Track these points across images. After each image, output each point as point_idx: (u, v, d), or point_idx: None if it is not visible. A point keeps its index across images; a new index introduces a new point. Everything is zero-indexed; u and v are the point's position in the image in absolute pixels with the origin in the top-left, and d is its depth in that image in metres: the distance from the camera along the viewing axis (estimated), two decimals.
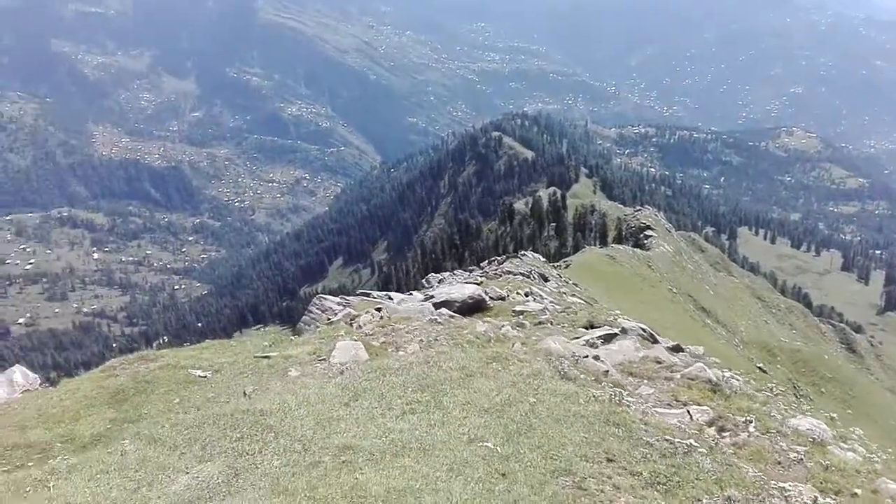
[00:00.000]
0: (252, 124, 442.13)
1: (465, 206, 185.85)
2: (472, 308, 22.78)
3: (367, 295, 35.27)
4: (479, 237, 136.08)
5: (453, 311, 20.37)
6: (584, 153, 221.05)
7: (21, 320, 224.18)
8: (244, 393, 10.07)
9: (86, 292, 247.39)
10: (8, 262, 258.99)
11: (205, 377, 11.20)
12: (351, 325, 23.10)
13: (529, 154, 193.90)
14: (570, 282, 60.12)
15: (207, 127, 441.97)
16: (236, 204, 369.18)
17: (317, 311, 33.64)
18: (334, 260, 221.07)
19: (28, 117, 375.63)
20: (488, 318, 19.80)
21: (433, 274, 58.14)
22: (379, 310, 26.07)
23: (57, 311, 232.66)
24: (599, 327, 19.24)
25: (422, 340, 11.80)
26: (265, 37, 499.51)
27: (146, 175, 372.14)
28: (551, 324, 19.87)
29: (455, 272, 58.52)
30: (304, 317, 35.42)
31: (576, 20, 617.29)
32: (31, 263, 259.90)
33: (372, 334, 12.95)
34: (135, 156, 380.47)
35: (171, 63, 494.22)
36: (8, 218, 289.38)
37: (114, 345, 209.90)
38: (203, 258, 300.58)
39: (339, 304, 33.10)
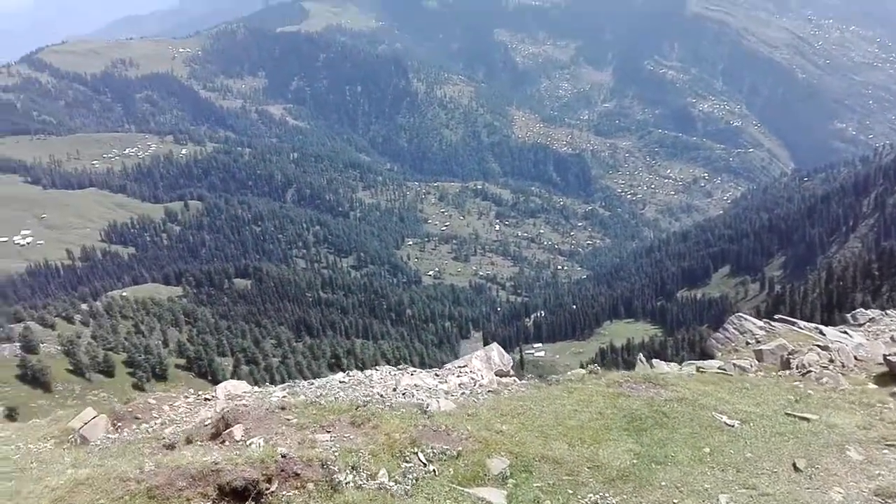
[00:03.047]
0: (659, 118, 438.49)
1: (892, 233, 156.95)
2: None
3: (792, 323, 31.15)
4: None
5: None
6: None
7: (430, 272, 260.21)
8: (795, 466, 8.51)
9: (484, 258, 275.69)
10: (429, 221, 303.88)
11: (732, 426, 9.81)
12: (789, 362, 20.33)
13: None
14: None
15: (615, 118, 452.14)
16: (628, 196, 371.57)
17: (733, 330, 30.82)
18: (720, 267, 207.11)
19: (464, 98, 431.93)
20: None
21: (861, 310, 49.59)
22: (825, 348, 22.41)
23: (459, 269, 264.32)
24: None
25: None
26: (688, 30, 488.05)
27: (551, 159, 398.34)
28: None
29: (888, 312, 48.94)
30: (716, 334, 32.98)
31: None
32: (446, 226, 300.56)
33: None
34: (545, 141, 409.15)
35: (593, 54, 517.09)
36: (435, 184, 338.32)
37: (498, 308, 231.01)
38: (588, 244, 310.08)
39: (761, 328, 29.77)
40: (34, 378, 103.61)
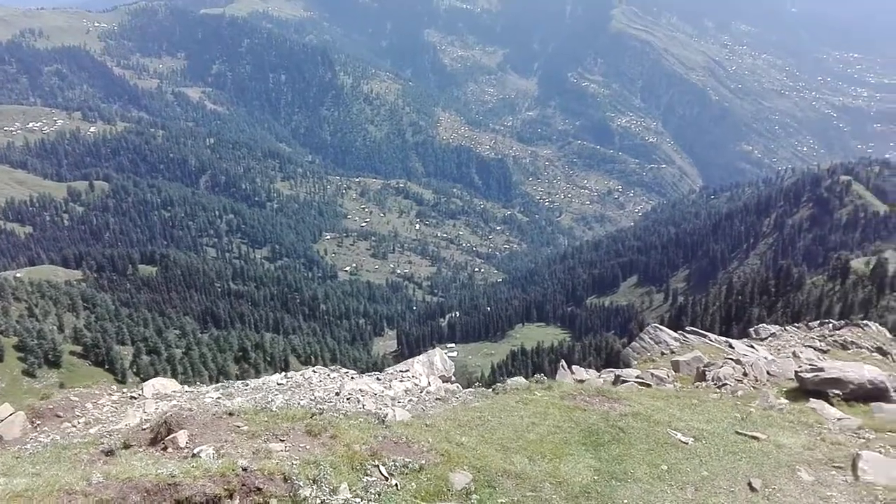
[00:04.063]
0: (579, 130, 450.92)
1: (789, 252, 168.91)
2: (867, 396, 18.53)
3: (704, 335, 32.53)
4: (798, 289, 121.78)
5: (843, 396, 16.93)
6: None
7: (347, 268, 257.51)
8: (750, 486, 8.59)
9: (402, 256, 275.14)
10: (349, 216, 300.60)
11: (686, 444, 9.86)
12: (704, 374, 21.12)
13: (882, 208, 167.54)
14: None
15: (538, 126, 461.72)
16: (546, 203, 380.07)
17: (649, 340, 31.97)
18: (628, 277, 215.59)
19: (391, 96, 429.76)
20: None
21: (764, 325, 52.66)
22: (738, 362, 23.38)
23: (377, 266, 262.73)
24: None
25: None
26: (612, 46, 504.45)
27: (474, 162, 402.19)
28: None
29: (787, 328, 52.26)
30: (633, 343, 34.10)
31: None
32: (366, 222, 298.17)
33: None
34: (469, 144, 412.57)
35: (519, 62, 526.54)
36: (357, 180, 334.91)
37: (414, 307, 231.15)
38: (505, 248, 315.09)
39: (676, 339, 30.97)
40: None
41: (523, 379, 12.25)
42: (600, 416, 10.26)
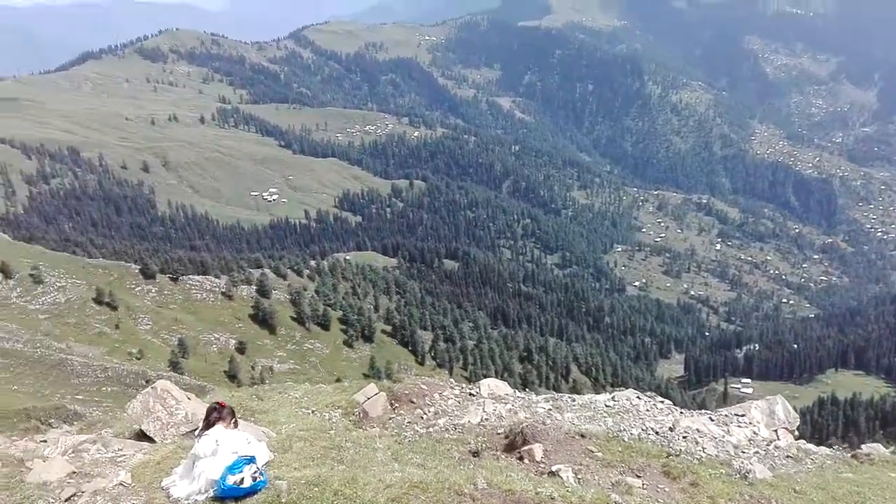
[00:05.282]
0: None
1: None
2: None
3: None
4: None
5: None
6: None
7: (636, 283, 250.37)
8: None
9: (697, 277, 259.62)
10: (643, 230, 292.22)
11: None
12: None
13: None
14: None
15: (874, 145, 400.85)
16: (878, 234, 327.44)
17: None
18: None
19: (701, 106, 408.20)
20: None
21: None
22: None
23: (668, 285, 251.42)
24: None
25: None
26: None
27: (792, 181, 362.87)
28: None
29: None
30: None
31: None
32: (661, 237, 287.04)
33: None
34: (787, 160, 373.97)
35: (857, 72, 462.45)
36: (655, 192, 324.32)
37: (707, 333, 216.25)
38: (822, 280, 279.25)
39: None
40: (263, 319, 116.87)
41: (882, 447, 10.31)
42: None
